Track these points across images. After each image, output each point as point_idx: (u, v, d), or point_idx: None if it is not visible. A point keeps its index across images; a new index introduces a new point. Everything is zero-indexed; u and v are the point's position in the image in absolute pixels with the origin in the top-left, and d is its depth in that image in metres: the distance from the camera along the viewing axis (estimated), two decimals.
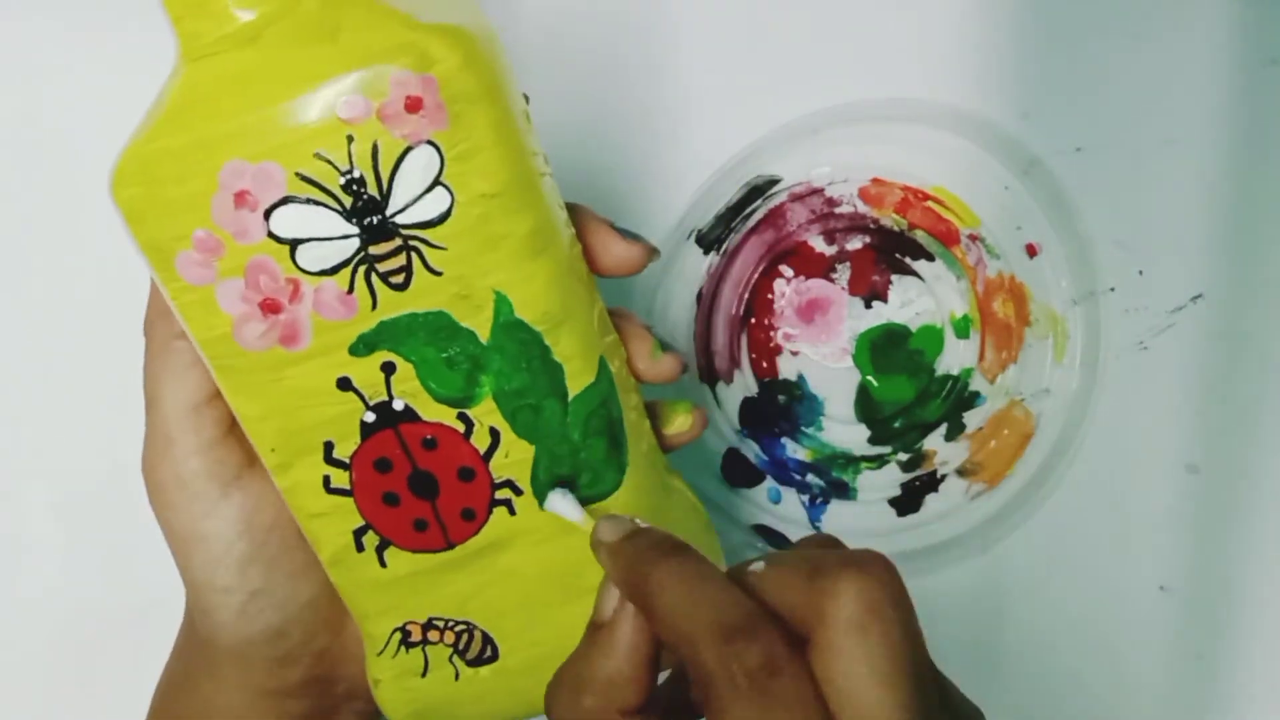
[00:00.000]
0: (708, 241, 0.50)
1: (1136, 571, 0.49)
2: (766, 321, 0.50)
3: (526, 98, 0.34)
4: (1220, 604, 0.49)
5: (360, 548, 0.33)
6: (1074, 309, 0.48)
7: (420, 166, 0.29)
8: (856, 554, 0.28)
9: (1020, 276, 0.48)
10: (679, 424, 0.37)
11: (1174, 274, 0.49)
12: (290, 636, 0.36)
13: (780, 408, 0.49)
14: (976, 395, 0.48)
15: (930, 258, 0.49)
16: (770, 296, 0.49)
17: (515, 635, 0.34)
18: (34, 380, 0.51)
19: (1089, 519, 0.49)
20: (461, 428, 0.32)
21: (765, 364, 0.50)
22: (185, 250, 0.30)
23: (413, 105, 0.29)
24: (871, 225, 0.49)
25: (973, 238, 0.48)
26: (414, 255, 0.30)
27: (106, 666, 0.50)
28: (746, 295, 0.50)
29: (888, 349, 0.49)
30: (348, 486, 0.33)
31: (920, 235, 0.49)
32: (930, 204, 0.48)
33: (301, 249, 0.30)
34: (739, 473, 0.49)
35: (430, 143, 0.29)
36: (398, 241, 0.30)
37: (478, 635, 0.34)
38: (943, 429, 0.48)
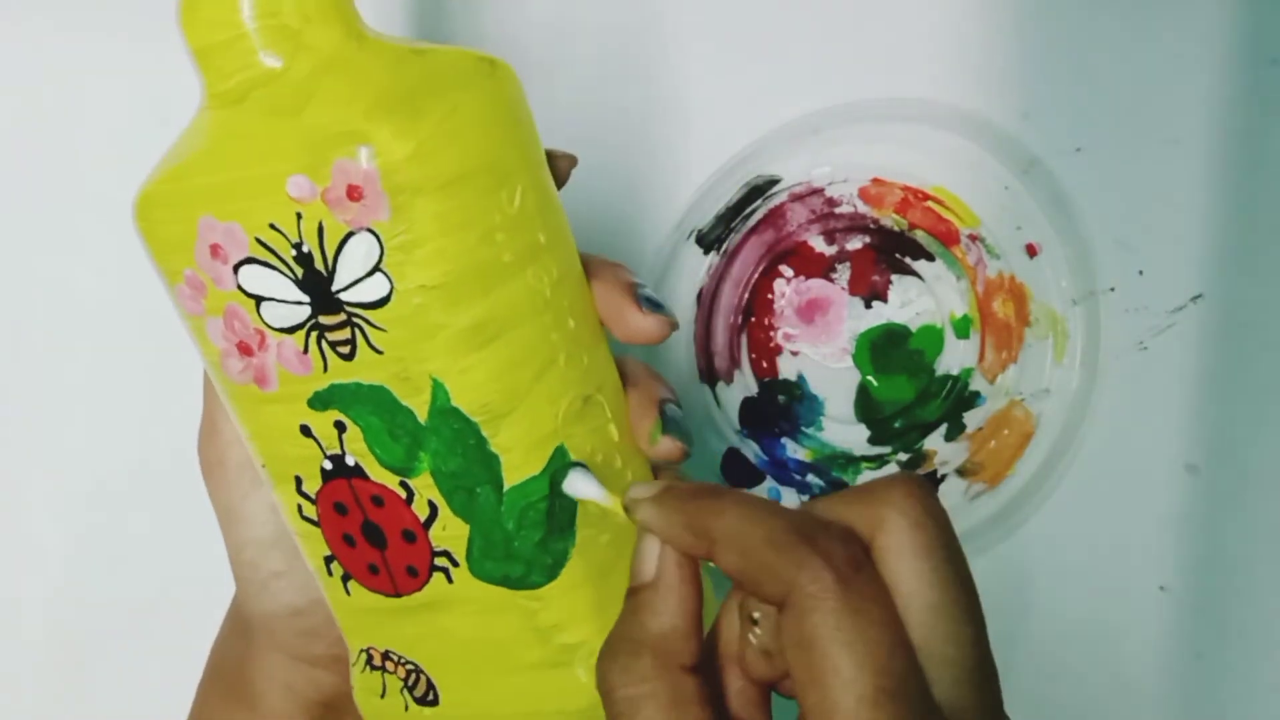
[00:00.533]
0: (708, 241, 0.50)
1: (1136, 571, 0.49)
2: (766, 321, 0.50)
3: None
4: (1220, 604, 0.49)
5: (330, 573, 0.35)
6: (1074, 309, 0.48)
7: (361, 252, 0.30)
8: (897, 474, 0.29)
9: (1020, 276, 0.48)
10: None
11: (1174, 274, 0.49)
12: (312, 615, 0.38)
13: (780, 408, 0.49)
14: (976, 395, 0.48)
15: (930, 258, 0.49)
16: (770, 296, 0.49)
17: (454, 689, 0.35)
18: (35, 381, 0.51)
19: (1089, 519, 0.49)
20: (404, 494, 0.32)
21: (765, 364, 0.50)
22: (179, 284, 0.32)
23: (353, 194, 0.29)
24: (871, 225, 0.49)
25: (973, 238, 0.48)
26: (358, 331, 0.30)
27: (106, 666, 0.50)
28: (746, 295, 0.50)
29: (888, 349, 0.49)
30: (315, 519, 0.34)
31: (920, 235, 0.49)
32: (930, 204, 0.48)
33: (265, 305, 0.31)
34: (739, 473, 0.49)
35: (370, 230, 0.29)
36: (343, 316, 0.30)
37: (424, 679, 0.35)
38: (943, 429, 0.48)
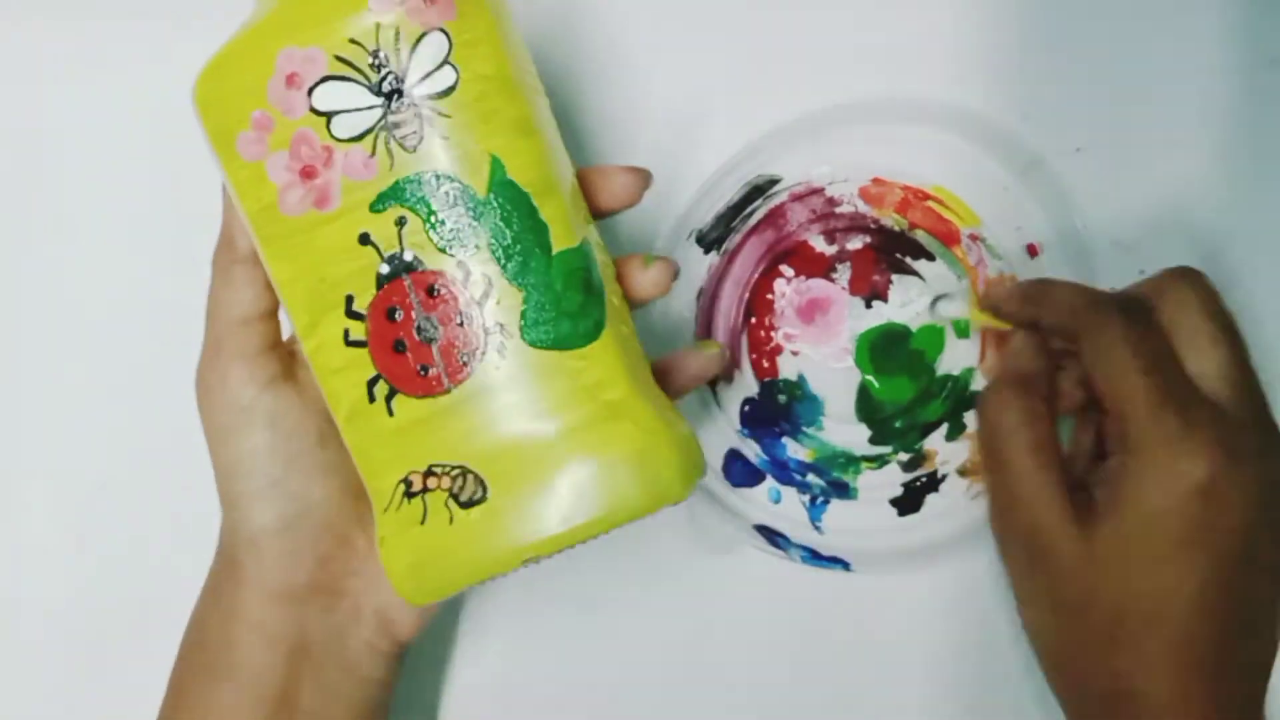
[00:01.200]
0: (708, 241, 0.50)
1: None
2: (767, 321, 0.50)
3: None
4: None
5: (372, 398, 0.38)
6: None
7: (433, 49, 0.36)
8: (1173, 268, 0.43)
9: (1021, 276, 0.48)
10: (709, 353, 0.42)
11: None
12: (299, 530, 0.41)
13: (781, 408, 0.49)
14: (977, 395, 0.48)
15: (931, 257, 0.49)
16: (770, 296, 0.49)
17: (503, 475, 0.37)
18: (34, 381, 0.51)
19: None
20: (461, 275, 0.37)
21: (766, 364, 0.50)
22: (245, 130, 0.37)
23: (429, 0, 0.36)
24: (872, 225, 0.49)
25: (973, 237, 0.48)
26: (424, 122, 0.36)
27: (106, 667, 0.50)
28: (747, 295, 0.50)
29: (888, 349, 0.49)
30: (364, 338, 0.38)
31: (921, 235, 0.49)
32: (930, 204, 0.48)
33: (336, 119, 0.36)
34: (739, 473, 0.49)
35: (442, 30, 0.36)
36: (412, 110, 0.36)
37: (470, 477, 0.37)
38: (943, 429, 0.48)
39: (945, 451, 0.48)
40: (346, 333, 0.38)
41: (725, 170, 0.50)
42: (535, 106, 0.38)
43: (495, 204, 0.37)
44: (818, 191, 0.49)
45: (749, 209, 0.49)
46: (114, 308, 0.51)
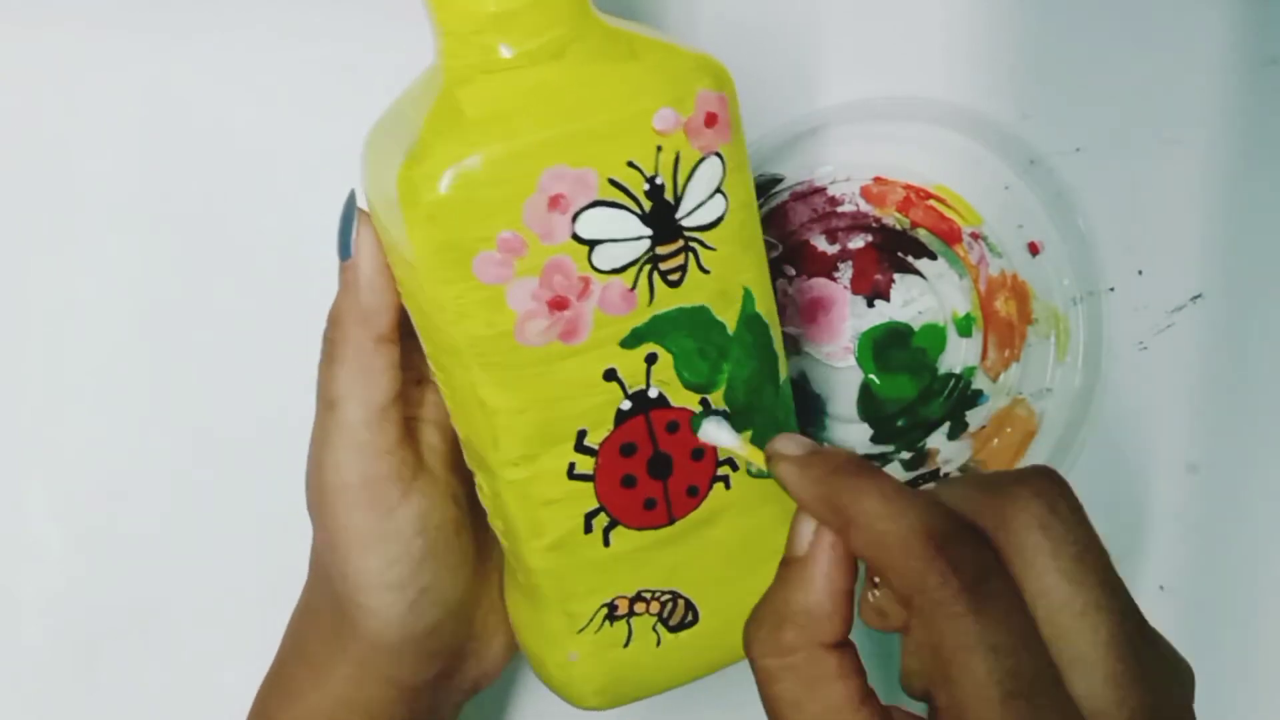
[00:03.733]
0: None
1: (1136, 571, 0.49)
2: None
3: None
4: (1220, 604, 0.49)
5: (589, 529, 0.36)
6: (1075, 307, 0.48)
7: (708, 175, 0.33)
8: (1028, 468, 0.29)
9: (1022, 275, 0.48)
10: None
11: (1174, 274, 0.49)
12: (443, 632, 0.38)
13: None
14: (979, 394, 0.48)
15: (933, 256, 0.49)
16: None
17: (715, 599, 0.38)
18: (35, 381, 0.51)
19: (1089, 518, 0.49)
20: (700, 411, 0.36)
21: None
22: (487, 250, 0.32)
23: (710, 121, 0.33)
24: (874, 224, 0.49)
25: (975, 236, 0.49)
26: (691, 255, 0.34)
27: (107, 669, 0.49)
28: None
29: (890, 348, 0.49)
30: (590, 472, 0.36)
31: (922, 234, 0.49)
32: (932, 202, 0.49)
33: (599, 249, 0.33)
34: None
35: (718, 154, 0.33)
36: (680, 243, 0.34)
37: (682, 603, 0.38)
38: (945, 427, 0.48)
39: (947, 450, 0.48)
40: (572, 466, 0.35)
41: None
42: None
43: (743, 338, 0.35)
44: (820, 191, 0.49)
45: None
46: (114, 309, 0.51)
